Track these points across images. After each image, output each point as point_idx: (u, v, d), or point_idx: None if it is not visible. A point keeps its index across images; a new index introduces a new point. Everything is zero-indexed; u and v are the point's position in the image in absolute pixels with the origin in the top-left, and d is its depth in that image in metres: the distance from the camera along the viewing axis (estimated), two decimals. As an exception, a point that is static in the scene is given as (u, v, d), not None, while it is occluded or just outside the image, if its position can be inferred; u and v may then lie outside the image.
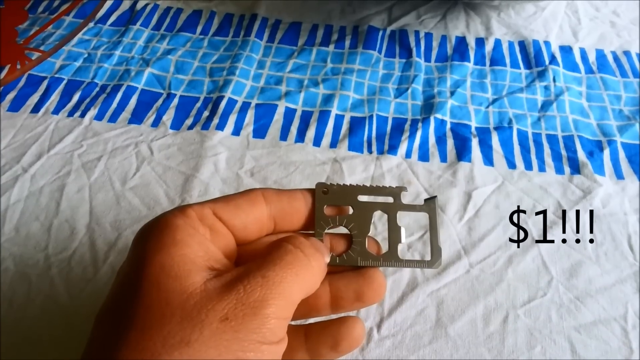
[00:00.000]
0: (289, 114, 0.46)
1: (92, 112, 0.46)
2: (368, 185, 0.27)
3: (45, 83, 0.49)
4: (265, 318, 0.19)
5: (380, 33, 0.55)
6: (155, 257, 0.20)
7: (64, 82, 0.49)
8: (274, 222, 0.25)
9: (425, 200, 0.27)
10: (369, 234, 0.26)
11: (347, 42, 0.54)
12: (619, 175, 0.42)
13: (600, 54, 0.53)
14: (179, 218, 0.22)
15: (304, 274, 0.21)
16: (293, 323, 0.24)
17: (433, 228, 0.27)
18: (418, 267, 0.34)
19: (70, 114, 0.46)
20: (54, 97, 0.47)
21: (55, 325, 0.32)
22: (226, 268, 0.21)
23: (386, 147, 0.44)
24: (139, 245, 0.21)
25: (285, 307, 0.20)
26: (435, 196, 0.28)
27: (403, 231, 0.26)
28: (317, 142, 0.44)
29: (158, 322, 0.18)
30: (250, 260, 0.21)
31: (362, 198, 0.26)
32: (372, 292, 0.25)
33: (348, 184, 0.26)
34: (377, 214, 0.26)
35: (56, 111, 0.46)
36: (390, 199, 0.26)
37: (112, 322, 0.19)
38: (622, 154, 0.43)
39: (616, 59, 0.53)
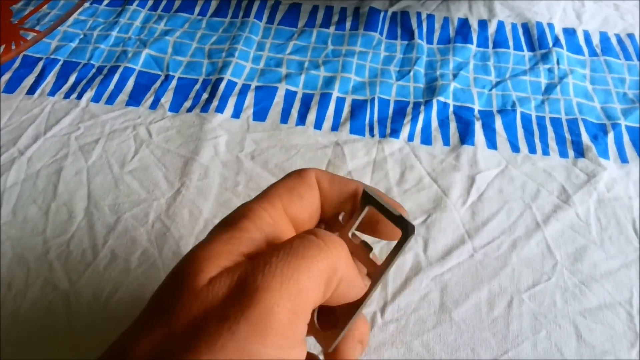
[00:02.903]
0: (290, 96, 0.46)
1: (89, 93, 0.45)
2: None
3: (40, 64, 0.48)
4: (266, 303, 0.17)
5: (382, 15, 0.54)
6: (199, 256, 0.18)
7: (60, 63, 0.48)
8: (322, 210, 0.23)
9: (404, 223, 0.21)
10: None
11: (348, 24, 0.53)
12: (624, 158, 0.41)
13: (604, 37, 0.53)
14: (249, 220, 0.20)
15: (311, 254, 0.18)
16: None
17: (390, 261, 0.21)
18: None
19: (67, 95, 0.45)
20: (50, 79, 0.46)
21: (54, 309, 0.32)
22: None
23: (388, 130, 0.43)
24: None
25: (292, 291, 0.17)
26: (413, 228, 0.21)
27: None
28: (318, 125, 0.43)
29: (171, 320, 0.17)
30: None
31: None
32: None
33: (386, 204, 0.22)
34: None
35: (52, 93, 0.45)
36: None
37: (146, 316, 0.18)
38: (626, 138, 0.43)
39: (620, 41, 0.52)
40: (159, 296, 0.18)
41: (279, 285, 0.17)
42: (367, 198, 0.22)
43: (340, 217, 0.23)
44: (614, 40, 0.52)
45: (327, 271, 0.18)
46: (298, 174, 0.22)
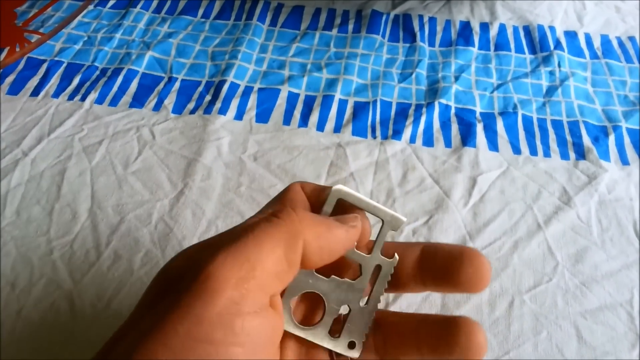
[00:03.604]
0: (292, 98, 0.46)
1: (93, 95, 0.45)
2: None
3: (44, 66, 0.48)
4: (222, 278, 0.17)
5: (384, 17, 0.54)
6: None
7: (64, 65, 0.48)
8: None
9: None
10: None
11: (351, 26, 0.53)
12: (624, 160, 0.41)
13: (605, 40, 0.53)
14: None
15: (270, 231, 0.19)
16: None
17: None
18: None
19: (71, 97, 0.45)
20: (54, 80, 0.47)
21: (58, 308, 0.32)
22: None
23: (390, 132, 0.43)
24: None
25: (240, 265, 0.18)
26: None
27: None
28: (320, 126, 0.44)
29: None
30: None
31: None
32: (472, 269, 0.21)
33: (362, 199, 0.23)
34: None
35: (56, 94, 0.46)
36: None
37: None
38: (627, 140, 0.43)
39: (621, 44, 0.53)
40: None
41: (223, 258, 0.17)
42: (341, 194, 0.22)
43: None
44: (615, 43, 0.53)
45: (283, 239, 0.19)
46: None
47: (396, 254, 0.22)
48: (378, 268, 0.22)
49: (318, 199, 0.23)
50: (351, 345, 0.22)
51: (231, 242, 0.18)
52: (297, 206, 0.22)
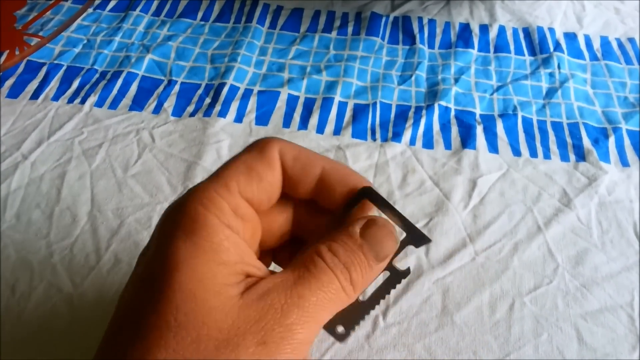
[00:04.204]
0: (292, 101, 0.46)
1: (93, 98, 0.45)
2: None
3: (44, 69, 0.48)
4: (298, 343, 0.18)
5: (383, 19, 0.54)
6: (190, 264, 0.18)
7: (64, 68, 0.48)
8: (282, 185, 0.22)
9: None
10: None
11: (350, 29, 0.53)
12: (625, 162, 0.41)
13: (604, 41, 0.53)
14: (212, 213, 0.19)
15: (337, 298, 0.19)
16: None
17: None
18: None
19: (70, 100, 0.45)
20: (54, 84, 0.47)
21: (58, 312, 0.32)
22: (260, 272, 0.20)
23: (390, 134, 0.43)
24: (167, 240, 0.18)
25: (315, 331, 0.19)
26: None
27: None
28: (320, 129, 0.44)
29: (193, 345, 0.16)
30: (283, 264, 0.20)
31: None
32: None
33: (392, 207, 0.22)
34: None
35: (56, 97, 0.46)
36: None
37: (132, 330, 0.17)
38: (627, 141, 0.43)
39: (620, 45, 0.53)
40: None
41: (309, 325, 0.18)
42: (369, 194, 0.22)
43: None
44: (614, 45, 0.53)
45: (341, 307, 0.20)
46: (259, 149, 0.21)
47: (410, 267, 0.22)
48: (388, 274, 0.22)
49: (301, 177, 0.22)
50: (340, 330, 0.22)
51: (315, 302, 0.19)
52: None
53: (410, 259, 0.35)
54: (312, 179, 0.22)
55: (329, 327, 0.22)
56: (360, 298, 0.22)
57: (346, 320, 0.22)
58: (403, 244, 0.22)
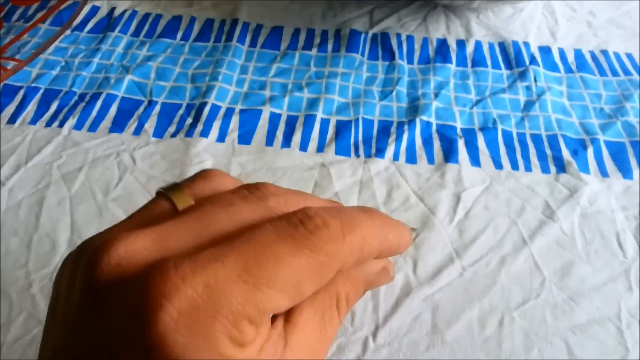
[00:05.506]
0: (274, 118, 0.46)
1: (71, 121, 0.45)
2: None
3: (21, 93, 0.47)
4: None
5: (363, 36, 0.55)
6: None
7: (41, 91, 0.47)
8: None
9: None
10: None
11: (330, 46, 0.54)
12: (604, 173, 0.42)
13: (578, 54, 0.54)
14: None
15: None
16: None
17: None
18: None
19: (49, 123, 0.44)
20: (31, 107, 0.46)
21: (39, 345, 0.31)
22: None
23: (373, 150, 0.43)
24: None
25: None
26: None
27: None
28: (303, 146, 0.44)
29: None
30: None
31: None
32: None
33: None
34: None
35: (33, 121, 0.45)
36: None
37: None
38: (605, 152, 0.44)
39: (594, 58, 0.54)
40: None
41: None
42: None
43: None
44: (588, 57, 0.54)
45: None
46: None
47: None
48: None
49: None
50: None
51: None
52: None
53: (398, 276, 0.35)
54: None
55: None
56: None
57: None
58: None
